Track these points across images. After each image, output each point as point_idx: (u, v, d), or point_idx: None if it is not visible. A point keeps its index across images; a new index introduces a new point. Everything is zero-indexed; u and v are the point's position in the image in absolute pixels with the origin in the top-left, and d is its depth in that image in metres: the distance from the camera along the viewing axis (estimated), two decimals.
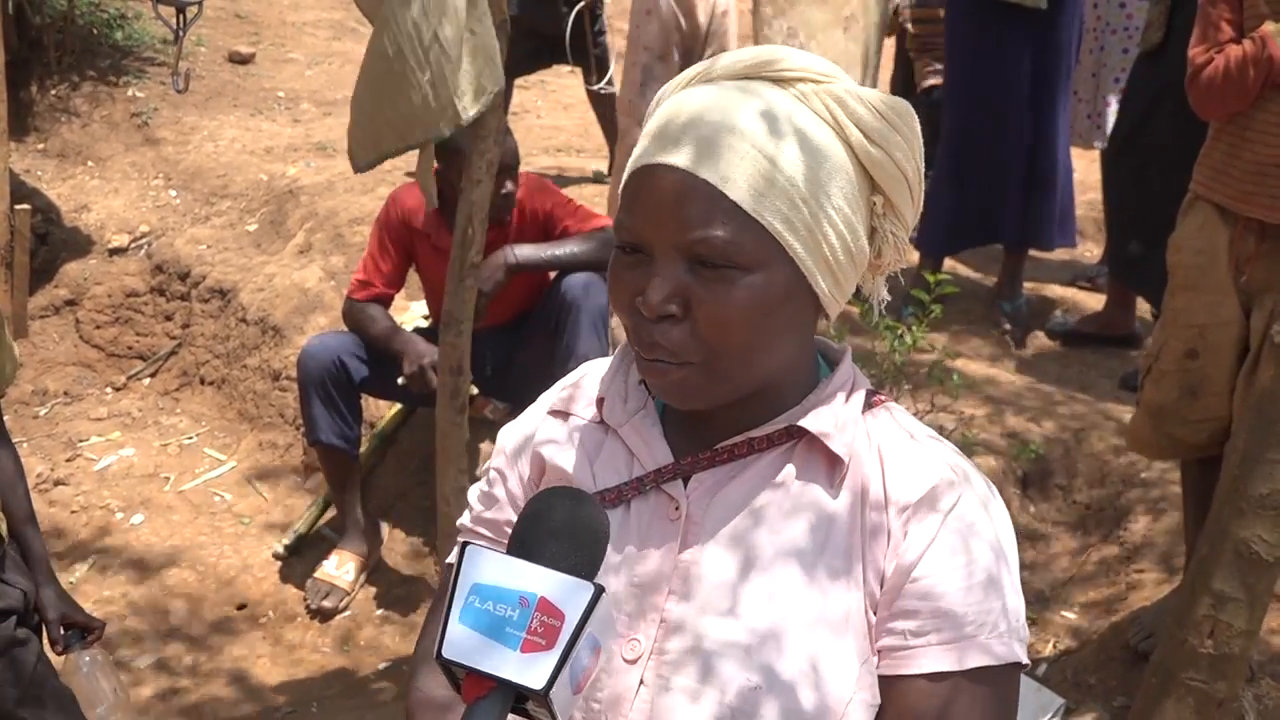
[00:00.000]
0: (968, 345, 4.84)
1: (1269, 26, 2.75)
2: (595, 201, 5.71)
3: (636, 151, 1.15)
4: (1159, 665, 2.56)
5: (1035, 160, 4.78)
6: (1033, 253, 5.17)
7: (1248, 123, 2.84)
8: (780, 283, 1.12)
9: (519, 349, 4.09)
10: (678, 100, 1.15)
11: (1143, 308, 4.88)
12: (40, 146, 6.87)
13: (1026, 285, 5.16)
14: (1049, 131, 4.77)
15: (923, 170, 1.19)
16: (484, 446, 4.23)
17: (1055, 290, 5.36)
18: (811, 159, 1.11)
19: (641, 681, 1.15)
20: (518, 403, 4.37)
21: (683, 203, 1.09)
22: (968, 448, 3.63)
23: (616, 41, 6.54)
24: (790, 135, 1.10)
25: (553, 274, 4.03)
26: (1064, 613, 3.54)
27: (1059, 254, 5.63)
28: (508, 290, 3.89)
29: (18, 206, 5.41)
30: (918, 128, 1.17)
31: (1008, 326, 4.95)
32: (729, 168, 1.08)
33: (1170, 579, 3.43)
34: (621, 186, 1.15)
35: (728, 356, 1.12)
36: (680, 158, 1.09)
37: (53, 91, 7.10)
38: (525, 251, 3.87)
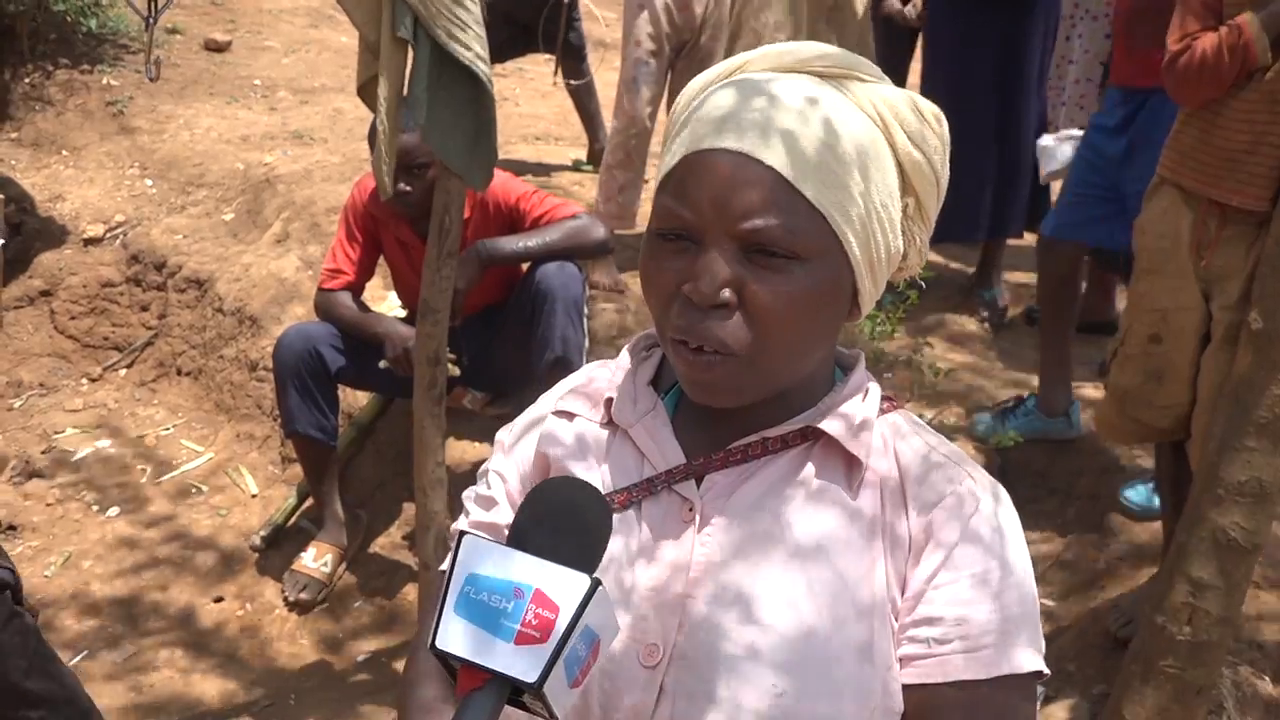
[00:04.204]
0: (946, 333, 4.83)
1: (1245, 15, 2.75)
2: (574, 189, 5.69)
3: (685, 137, 1.12)
4: (1137, 653, 2.57)
5: (1006, 148, 4.79)
6: (1011, 240, 5.17)
7: (1219, 108, 2.83)
8: (830, 277, 1.10)
9: (495, 339, 4.06)
10: (727, 90, 1.12)
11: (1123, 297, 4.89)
12: (14, 135, 6.81)
13: (1005, 272, 5.16)
14: (1019, 120, 4.78)
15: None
16: (461, 437, 4.22)
17: (1034, 277, 5.35)
18: (864, 155, 1.10)
19: (662, 688, 1.12)
20: (495, 392, 4.36)
21: (746, 188, 1.06)
22: (946, 436, 3.62)
23: (594, 29, 6.51)
24: (845, 130, 1.09)
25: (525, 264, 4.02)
26: (1043, 599, 3.55)
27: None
28: (481, 282, 3.87)
29: None
30: (947, 134, 1.17)
31: (986, 314, 4.95)
32: (793, 156, 1.07)
33: (1149, 566, 3.44)
34: (666, 172, 1.13)
35: (774, 351, 1.10)
36: (744, 143, 1.07)
37: (26, 80, 7.03)
38: (498, 245, 3.85)
